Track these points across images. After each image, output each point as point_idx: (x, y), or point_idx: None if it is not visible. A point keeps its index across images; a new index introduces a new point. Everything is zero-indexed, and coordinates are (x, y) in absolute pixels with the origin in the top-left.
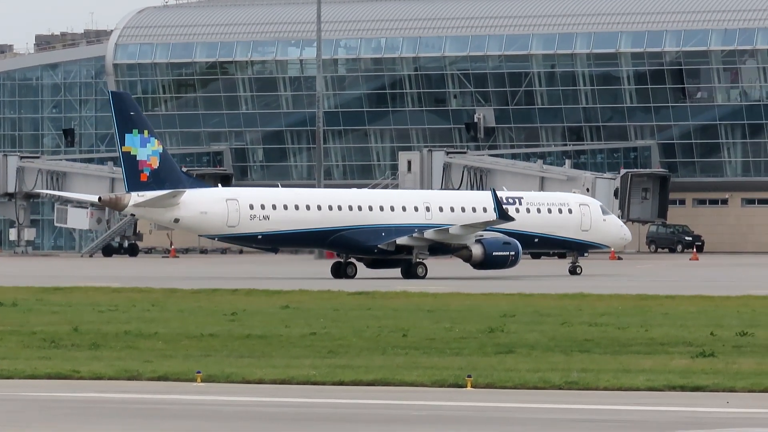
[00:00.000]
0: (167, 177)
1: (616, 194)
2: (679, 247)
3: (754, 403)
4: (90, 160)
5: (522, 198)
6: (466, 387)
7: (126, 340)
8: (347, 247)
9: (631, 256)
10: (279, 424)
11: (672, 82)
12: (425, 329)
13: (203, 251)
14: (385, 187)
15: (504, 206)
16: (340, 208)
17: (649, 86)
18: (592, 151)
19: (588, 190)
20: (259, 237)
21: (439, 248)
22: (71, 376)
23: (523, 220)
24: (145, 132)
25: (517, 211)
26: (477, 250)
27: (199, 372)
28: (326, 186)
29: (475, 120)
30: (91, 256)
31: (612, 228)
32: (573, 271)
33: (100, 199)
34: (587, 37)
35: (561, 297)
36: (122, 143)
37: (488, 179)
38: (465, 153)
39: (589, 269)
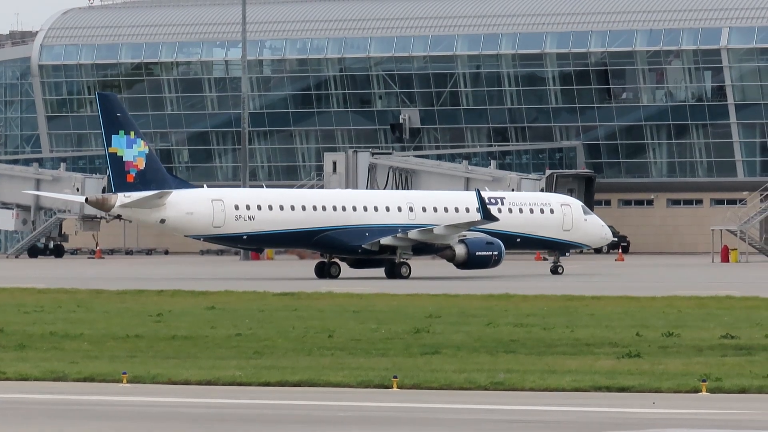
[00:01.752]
0: (153, 178)
1: None
2: (605, 248)
3: (680, 404)
4: (15, 161)
5: (504, 198)
6: (392, 388)
7: (52, 341)
8: (332, 247)
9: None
10: (205, 424)
11: (597, 83)
12: (351, 330)
13: (128, 252)
14: (311, 187)
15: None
16: (324, 208)
17: (575, 87)
18: (517, 152)
19: (513, 190)
20: (245, 237)
21: (422, 248)
22: None
23: (506, 220)
24: (132, 133)
25: (500, 211)
26: (460, 250)
27: (125, 373)
28: (251, 187)
29: (401, 121)
30: (16, 257)
31: (593, 228)
32: (555, 270)
33: (87, 199)
34: (512, 38)
35: (486, 297)
36: (109, 144)
37: (414, 180)
38: (390, 154)
39: (518, 269)
